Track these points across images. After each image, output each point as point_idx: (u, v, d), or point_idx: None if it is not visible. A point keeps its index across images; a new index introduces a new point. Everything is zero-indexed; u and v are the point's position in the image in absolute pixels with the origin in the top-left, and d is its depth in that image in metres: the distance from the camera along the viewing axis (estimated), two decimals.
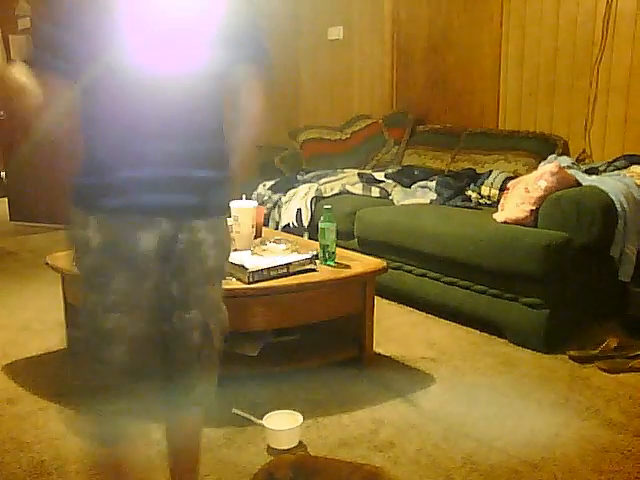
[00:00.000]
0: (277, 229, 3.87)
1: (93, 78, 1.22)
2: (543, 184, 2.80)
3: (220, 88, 1.35)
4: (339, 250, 2.61)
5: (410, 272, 3.19)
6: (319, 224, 2.53)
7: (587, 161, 3.57)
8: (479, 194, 3.50)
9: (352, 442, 1.99)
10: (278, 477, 1.37)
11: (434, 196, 3.57)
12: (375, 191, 3.84)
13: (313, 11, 5.28)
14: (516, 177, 3.22)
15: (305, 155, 4.46)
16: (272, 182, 4.17)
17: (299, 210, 3.77)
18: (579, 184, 2.91)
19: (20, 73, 1.26)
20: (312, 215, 3.73)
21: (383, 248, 3.29)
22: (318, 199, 3.78)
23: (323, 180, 4.01)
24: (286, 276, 2.35)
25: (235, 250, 2.66)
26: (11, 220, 5.68)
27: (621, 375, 2.45)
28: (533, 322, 2.68)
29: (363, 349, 2.54)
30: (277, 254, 2.49)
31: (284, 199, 3.95)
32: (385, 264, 2.58)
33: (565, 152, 3.64)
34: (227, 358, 2.43)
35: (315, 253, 2.50)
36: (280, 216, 3.93)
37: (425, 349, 2.75)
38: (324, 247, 2.52)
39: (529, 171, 3.30)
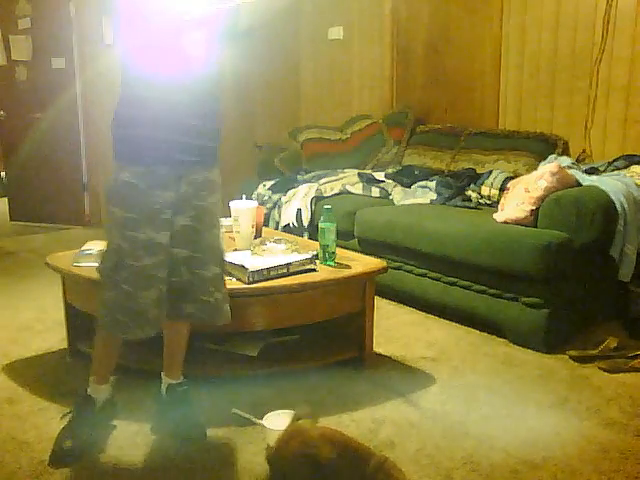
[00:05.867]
0: (277, 229, 3.87)
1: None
2: (543, 184, 2.80)
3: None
4: (339, 250, 2.61)
5: (410, 272, 3.19)
6: (319, 224, 2.53)
7: (587, 161, 3.57)
8: (479, 194, 3.51)
9: None
10: (323, 459, 1.30)
11: (434, 196, 3.57)
12: (375, 191, 3.84)
13: (313, 11, 5.28)
14: (516, 177, 3.22)
15: (305, 155, 4.46)
16: (272, 182, 4.17)
17: (299, 210, 3.77)
18: (579, 184, 2.91)
19: None
20: (312, 215, 3.73)
21: (383, 248, 3.29)
22: (318, 199, 3.78)
23: (323, 180, 4.01)
24: (286, 276, 2.35)
25: (235, 250, 2.66)
26: (11, 220, 5.68)
27: (621, 375, 2.45)
28: (533, 322, 2.68)
29: (363, 349, 2.54)
30: (277, 254, 2.49)
31: (284, 199, 3.95)
32: (385, 264, 2.58)
33: (565, 152, 3.64)
34: (227, 358, 2.45)
35: (315, 253, 2.50)
36: (280, 216, 3.93)
37: (425, 349, 2.75)
38: (324, 247, 2.52)
39: (529, 171, 3.30)
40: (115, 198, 1.84)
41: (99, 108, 5.12)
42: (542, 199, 2.78)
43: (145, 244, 1.82)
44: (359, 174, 4.05)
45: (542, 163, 3.39)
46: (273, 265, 2.34)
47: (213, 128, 1.91)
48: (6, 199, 5.77)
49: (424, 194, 3.64)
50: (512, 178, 3.27)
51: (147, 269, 1.83)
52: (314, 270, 2.43)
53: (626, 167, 3.12)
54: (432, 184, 3.66)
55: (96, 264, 2.41)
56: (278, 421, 1.98)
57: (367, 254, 2.91)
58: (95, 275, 2.35)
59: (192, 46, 1.80)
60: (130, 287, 1.83)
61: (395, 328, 2.99)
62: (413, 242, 3.12)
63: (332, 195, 3.82)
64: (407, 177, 3.91)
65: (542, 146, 3.64)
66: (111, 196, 1.85)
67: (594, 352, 2.58)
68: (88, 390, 2.01)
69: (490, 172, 3.54)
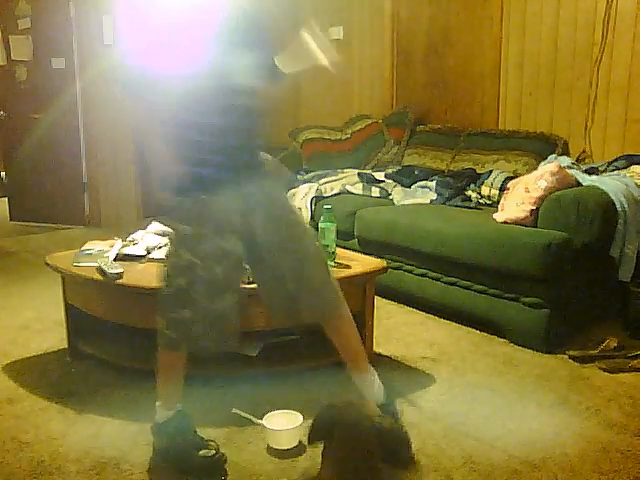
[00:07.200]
0: None
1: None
2: (543, 184, 2.80)
3: None
4: (339, 250, 2.61)
5: (410, 272, 3.19)
6: (319, 224, 2.53)
7: (587, 161, 3.57)
8: (479, 194, 3.51)
9: None
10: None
11: (434, 196, 3.57)
12: (375, 191, 3.84)
13: (313, 11, 5.28)
14: (516, 177, 3.22)
15: (305, 155, 4.46)
16: None
17: (299, 210, 3.77)
18: (579, 184, 2.91)
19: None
20: (312, 215, 3.73)
21: (383, 248, 3.29)
22: (318, 199, 3.78)
23: (323, 180, 4.01)
24: None
25: None
26: (11, 220, 5.68)
27: (621, 375, 2.45)
28: (533, 322, 2.68)
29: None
30: None
31: None
32: (385, 264, 2.58)
33: (565, 152, 3.64)
34: (227, 358, 2.44)
35: None
36: None
37: (425, 349, 2.75)
38: (324, 247, 2.52)
39: (529, 171, 3.30)
40: (180, 215, 1.78)
41: (99, 108, 5.12)
42: (542, 199, 2.78)
43: (214, 254, 1.76)
44: (359, 174, 4.05)
45: (542, 163, 3.39)
46: None
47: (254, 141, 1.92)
48: (6, 199, 5.77)
49: (424, 194, 3.64)
50: (512, 178, 3.27)
51: (219, 277, 1.77)
52: None
53: (626, 167, 3.12)
54: (432, 184, 3.66)
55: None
56: (278, 421, 1.99)
57: (367, 254, 2.91)
58: (95, 275, 2.37)
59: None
60: (207, 299, 1.77)
61: (395, 328, 2.99)
62: (413, 242, 3.12)
63: (332, 195, 3.82)
64: (407, 177, 3.90)
65: (542, 146, 3.64)
66: (175, 214, 1.79)
67: (594, 352, 2.58)
68: (156, 418, 1.89)
69: (490, 172, 3.54)
